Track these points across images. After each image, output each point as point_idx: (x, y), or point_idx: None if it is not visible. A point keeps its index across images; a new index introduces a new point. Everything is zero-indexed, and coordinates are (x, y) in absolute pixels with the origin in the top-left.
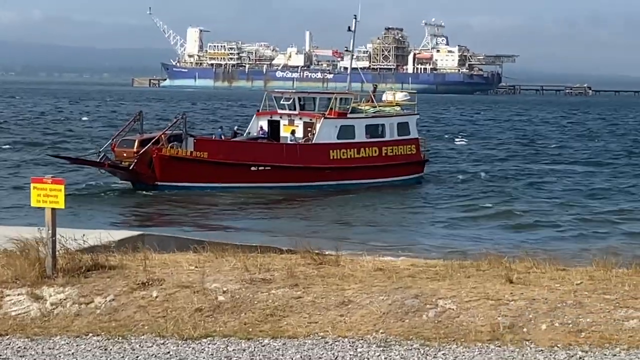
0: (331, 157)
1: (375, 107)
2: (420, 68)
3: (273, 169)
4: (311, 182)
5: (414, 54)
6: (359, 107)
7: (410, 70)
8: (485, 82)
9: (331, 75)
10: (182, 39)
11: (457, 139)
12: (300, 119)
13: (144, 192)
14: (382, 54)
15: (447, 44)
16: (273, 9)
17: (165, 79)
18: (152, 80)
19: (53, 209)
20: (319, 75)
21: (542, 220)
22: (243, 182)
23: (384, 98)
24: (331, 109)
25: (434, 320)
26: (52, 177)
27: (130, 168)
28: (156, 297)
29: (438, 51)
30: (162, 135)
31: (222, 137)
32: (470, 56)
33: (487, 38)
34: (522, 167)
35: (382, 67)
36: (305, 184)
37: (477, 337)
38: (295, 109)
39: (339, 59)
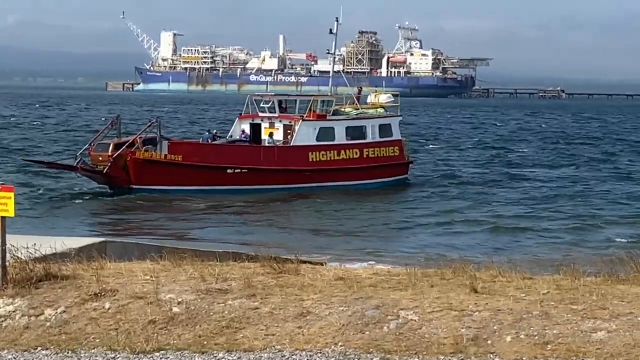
0: (310, 159)
1: (358, 109)
2: (394, 72)
3: (250, 171)
4: (290, 185)
5: (388, 58)
6: (342, 110)
7: (384, 74)
8: (459, 86)
9: (305, 79)
10: (155, 43)
11: (430, 143)
12: (280, 121)
13: (118, 197)
14: (356, 58)
15: (421, 47)
16: (247, 12)
17: (139, 83)
18: (125, 85)
19: (2, 217)
20: (293, 78)
21: (519, 225)
22: (219, 184)
23: (368, 100)
24: (313, 111)
25: (395, 332)
26: (1, 184)
27: (104, 172)
28: (108, 308)
29: (412, 55)
30: (137, 139)
31: (209, 140)
32: (444, 59)
33: (461, 41)
34: (499, 170)
35: (355, 70)
36: (284, 186)
37: (439, 350)
38: (275, 112)
39: (312, 62)
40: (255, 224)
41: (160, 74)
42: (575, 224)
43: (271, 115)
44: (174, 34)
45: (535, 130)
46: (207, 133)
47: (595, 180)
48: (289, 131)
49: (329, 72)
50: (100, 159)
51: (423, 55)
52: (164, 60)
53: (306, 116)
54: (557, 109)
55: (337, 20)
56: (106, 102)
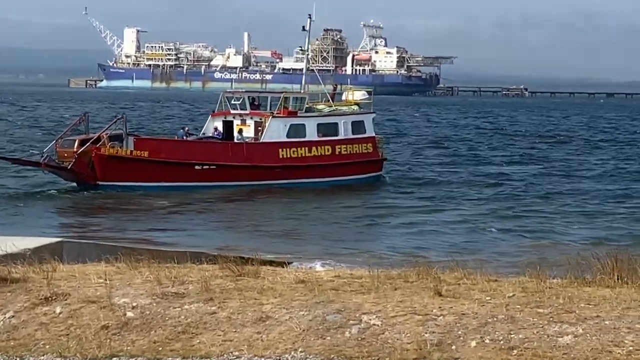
0: (280, 156)
1: (332, 106)
2: (359, 69)
3: (219, 167)
4: (260, 181)
5: (353, 55)
6: (315, 107)
7: (349, 72)
8: (424, 84)
9: (270, 76)
10: (119, 40)
11: (398, 140)
12: (252, 118)
13: (83, 194)
14: (321, 55)
15: (386, 45)
16: (210, 9)
17: (102, 80)
18: (88, 81)
19: None
20: (258, 76)
21: (488, 225)
22: (187, 181)
23: (343, 97)
24: (285, 107)
25: (357, 337)
26: None
27: (69, 168)
28: (60, 313)
29: (377, 52)
30: (103, 135)
31: (184, 137)
32: (408, 58)
33: (426, 40)
34: (469, 169)
35: (320, 68)
36: (254, 182)
37: (402, 356)
38: (246, 109)
39: (277, 59)
40: (221, 222)
41: (123, 71)
42: (542, 224)
43: (242, 112)
44: (138, 31)
45: (501, 128)
46: (181, 130)
47: (563, 178)
48: (259, 128)
49: (294, 69)
50: (66, 155)
51: (388, 53)
52: (127, 57)
53: (276, 113)
54: (528, 107)
55: (310, 17)
56: (69, 99)
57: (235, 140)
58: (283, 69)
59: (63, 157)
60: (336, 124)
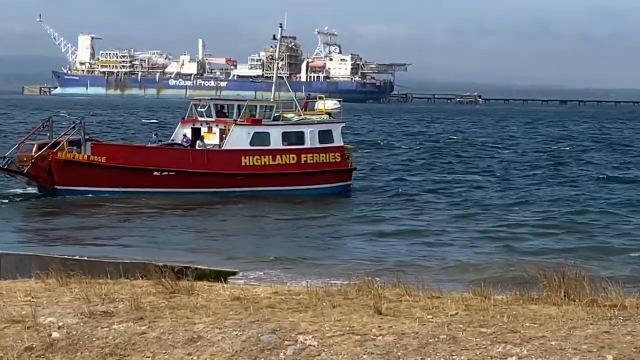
0: (243, 164)
1: (301, 115)
2: (314, 76)
3: (178, 174)
4: (221, 188)
5: (307, 63)
6: (284, 115)
7: (303, 79)
8: (378, 91)
9: (225, 83)
10: (73, 47)
11: (359, 148)
12: (217, 126)
13: (37, 200)
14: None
15: (340, 52)
16: (165, 17)
17: (57, 87)
18: (42, 89)
19: None
20: (212, 83)
21: (441, 236)
22: (145, 187)
23: (317, 106)
24: (252, 115)
25: (292, 359)
26: None
27: (25, 172)
28: None
29: (331, 59)
30: (62, 140)
31: (156, 143)
32: (362, 64)
33: (380, 47)
34: (431, 177)
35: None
36: (215, 189)
37: None
38: (211, 116)
39: (232, 67)
40: (173, 230)
41: (78, 78)
42: (490, 235)
43: (208, 119)
44: (92, 38)
45: (465, 135)
46: (154, 136)
47: (523, 186)
48: (224, 135)
49: (249, 76)
50: (25, 159)
51: (342, 60)
52: (81, 64)
53: (239, 121)
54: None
55: (280, 27)
56: (23, 106)
57: (197, 147)
58: (238, 75)
59: (22, 161)
60: (302, 132)
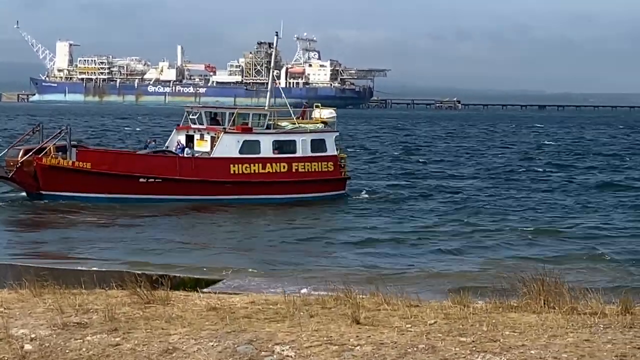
0: (232, 172)
1: (294, 123)
2: (293, 82)
3: (164, 181)
4: (209, 196)
5: (287, 69)
6: (278, 124)
7: (283, 85)
8: (358, 96)
9: (204, 90)
10: (51, 53)
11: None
12: (208, 133)
13: (20, 205)
14: (255, 69)
15: (319, 58)
16: (142, 23)
17: (35, 94)
18: (20, 95)
19: None
20: (192, 89)
21: (430, 239)
22: (131, 193)
23: (313, 115)
24: (244, 123)
25: None
26: None
27: (10, 176)
28: None
29: (310, 65)
30: (48, 145)
31: (153, 149)
32: (342, 70)
33: (358, 53)
34: (414, 182)
35: (255, 81)
36: (203, 197)
37: None
38: (203, 124)
39: (211, 73)
40: (155, 238)
41: (56, 85)
42: (472, 241)
43: (200, 127)
44: (70, 44)
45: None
46: (153, 143)
47: (504, 192)
48: (214, 143)
49: (228, 83)
50: (12, 164)
51: (321, 66)
52: (60, 70)
53: (229, 129)
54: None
55: (276, 35)
56: (25, 113)
57: (185, 155)
58: (217, 82)
59: (9, 165)
60: (294, 141)
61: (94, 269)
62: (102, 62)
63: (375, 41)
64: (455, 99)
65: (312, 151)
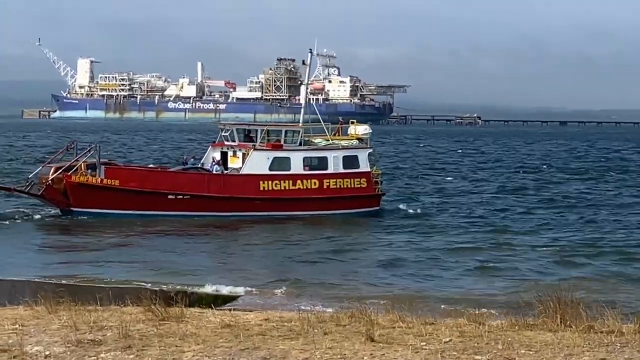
0: (261, 188)
1: (329, 140)
2: (313, 98)
3: (193, 198)
4: (239, 212)
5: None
6: (312, 140)
7: (302, 101)
8: (377, 112)
9: (224, 106)
10: (72, 70)
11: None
12: (240, 150)
13: (48, 221)
14: (275, 85)
15: (339, 74)
16: (162, 40)
17: (56, 111)
18: (42, 112)
19: None
20: (212, 105)
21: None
22: (160, 210)
23: (349, 131)
24: (277, 140)
25: None
26: None
27: (40, 193)
28: None
29: (330, 82)
30: (79, 163)
31: (197, 166)
32: (361, 86)
33: (377, 69)
34: (447, 199)
35: (274, 97)
36: (232, 213)
37: None
38: (235, 140)
39: (231, 89)
40: (180, 253)
41: (77, 102)
42: (490, 260)
43: (232, 144)
44: (91, 61)
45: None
46: (192, 159)
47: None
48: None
49: (248, 99)
50: (44, 181)
51: (341, 82)
52: (81, 87)
53: (259, 145)
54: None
55: (310, 52)
56: (29, 130)
57: (214, 172)
58: (237, 98)
59: (42, 183)
60: (325, 158)
61: (109, 285)
62: (122, 79)
63: (393, 57)
64: (475, 115)
65: (345, 167)
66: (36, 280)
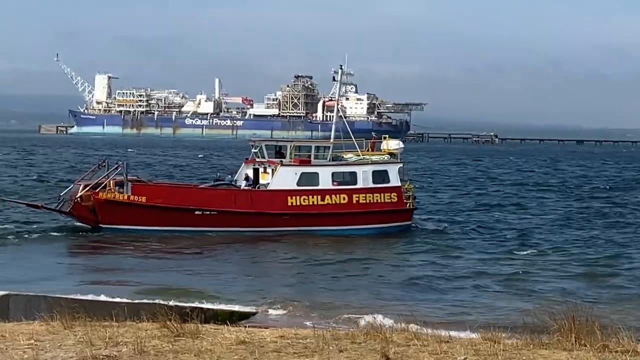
0: (289, 204)
1: (359, 155)
2: (330, 115)
3: (220, 214)
4: (266, 228)
5: (324, 102)
6: (343, 156)
7: (319, 118)
8: (394, 130)
9: (241, 122)
10: (90, 86)
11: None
12: (269, 166)
13: (73, 237)
14: (292, 102)
15: (356, 91)
16: (179, 56)
17: (73, 126)
18: (59, 128)
19: None
20: (229, 122)
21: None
22: (187, 225)
23: (382, 147)
24: (308, 156)
25: None
26: None
27: (68, 210)
28: None
29: (347, 99)
30: (106, 180)
31: (232, 182)
32: (379, 104)
33: (393, 86)
34: (478, 218)
35: (291, 114)
36: (260, 229)
37: None
38: (264, 157)
39: (248, 106)
40: (200, 268)
41: (94, 117)
42: (513, 279)
43: (262, 160)
44: (109, 77)
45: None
46: (229, 176)
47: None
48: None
49: (265, 116)
50: (73, 198)
51: (358, 99)
52: (98, 103)
53: (286, 161)
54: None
55: (341, 68)
56: (48, 145)
57: (242, 187)
58: (254, 115)
59: (72, 200)
60: (355, 173)
61: (125, 300)
62: (140, 95)
63: (412, 75)
64: (492, 133)
65: (374, 182)
66: (51, 295)
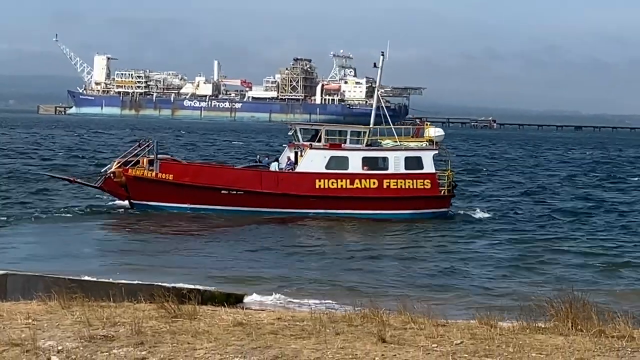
0: (317, 186)
1: (396, 141)
2: (328, 99)
3: (246, 193)
4: (293, 209)
5: (322, 85)
6: (380, 141)
7: (318, 101)
8: (393, 114)
9: (239, 105)
10: (89, 67)
11: None
12: (304, 149)
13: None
14: (290, 85)
15: (355, 75)
16: (178, 39)
17: (72, 107)
18: (58, 108)
19: None
20: (227, 104)
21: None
22: (214, 204)
23: (425, 134)
24: (343, 141)
25: None
26: None
27: (99, 186)
28: None
29: (346, 82)
30: (141, 157)
31: (269, 165)
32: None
33: (392, 71)
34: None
35: (290, 97)
36: (287, 210)
37: None
38: (299, 140)
39: (247, 88)
40: (208, 248)
41: (93, 98)
42: (518, 263)
43: (297, 143)
44: (108, 58)
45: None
46: (266, 158)
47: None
48: None
49: (264, 98)
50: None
51: (357, 83)
52: (97, 84)
53: (315, 144)
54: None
55: (382, 55)
56: (44, 126)
57: (272, 169)
58: (253, 97)
59: (104, 175)
60: (386, 158)
61: (123, 281)
62: (139, 76)
63: (411, 60)
64: (491, 118)
65: (407, 168)
66: (48, 275)
